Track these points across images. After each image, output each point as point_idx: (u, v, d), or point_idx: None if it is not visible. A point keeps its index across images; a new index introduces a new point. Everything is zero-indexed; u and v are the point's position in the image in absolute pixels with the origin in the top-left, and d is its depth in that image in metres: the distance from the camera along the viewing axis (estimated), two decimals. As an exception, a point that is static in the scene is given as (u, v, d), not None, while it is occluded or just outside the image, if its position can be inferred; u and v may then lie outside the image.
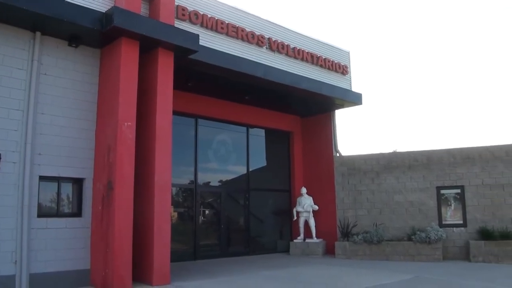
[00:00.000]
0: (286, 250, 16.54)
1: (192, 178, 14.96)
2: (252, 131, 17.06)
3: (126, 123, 9.78)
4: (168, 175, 10.48)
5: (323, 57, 15.77)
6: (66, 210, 10.07)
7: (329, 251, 15.92)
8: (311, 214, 16.36)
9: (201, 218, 15.38)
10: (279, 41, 14.33)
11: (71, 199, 10.16)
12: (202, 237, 15.14)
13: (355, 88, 16.81)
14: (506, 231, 13.87)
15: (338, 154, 17.04)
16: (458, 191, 14.98)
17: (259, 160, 17.54)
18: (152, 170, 10.24)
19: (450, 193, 15.08)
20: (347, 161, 16.66)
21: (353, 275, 11.67)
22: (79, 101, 10.20)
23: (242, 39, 13.26)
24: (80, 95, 10.23)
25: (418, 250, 14.23)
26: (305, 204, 16.44)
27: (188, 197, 15.06)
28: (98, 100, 10.47)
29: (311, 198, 16.62)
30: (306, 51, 15.19)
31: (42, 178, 9.49)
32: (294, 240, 16.46)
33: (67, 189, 10.11)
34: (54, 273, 9.31)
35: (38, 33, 9.61)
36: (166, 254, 10.14)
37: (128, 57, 10.04)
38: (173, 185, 12.70)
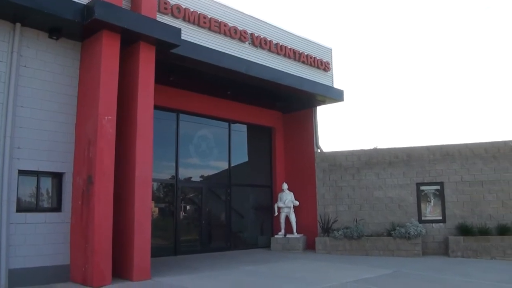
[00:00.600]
0: (267, 246, 16.59)
1: (173, 173, 14.89)
2: (234, 126, 17.05)
3: (106, 117, 9.68)
4: (149, 170, 10.39)
5: (306, 54, 15.81)
6: (46, 205, 9.92)
7: (310, 246, 16.02)
8: (292, 210, 16.43)
9: (182, 213, 15.33)
10: (261, 36, 14.32)
11: (50, 194, 10.02)
12: (183, 233, 15.11)
13: (336, 85, 16.90)
14: (485, 227, 14.15)
15: (319, 150, 17.14)
16: (438, 187, 15.21)
17: (240, 156, 17.54)
18: (132, 165, 10.15)
19: (430, 190, 15.30)
20: (328, 157, 16.76)
21: (334, 270, 11.76)
22: (59, 94, 10.05)
23: (225, 34, 13.21)
24: (60, 88, 10.08)
25: (397, 245, 14.41)
26: (286, 200, 16.50)
27: (169, 192, 14.99)
28: (78, 94, 10.33)
29: (292, 193, 16.69)
30: (289, 47, 15.22)
31: (21, 172, 9.34)
32: (275, 236, 16.51)
33: (47, 184, 9.96)
34: (33, 268, 9.18)
35: (18, 24, 9.42)
36: (146, 250, 10.07)
37: (109, 50, 9.92)
38: (154, 180, 12.62)
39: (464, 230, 14.23)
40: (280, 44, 14.92)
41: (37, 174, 9.72)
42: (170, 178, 14.85)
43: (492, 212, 14.53)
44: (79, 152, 9.99)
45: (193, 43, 12.06)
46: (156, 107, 10.99)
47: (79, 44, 10.48)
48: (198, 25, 12.53)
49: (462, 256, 13.82)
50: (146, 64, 10.61)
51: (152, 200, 11.79)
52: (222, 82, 14.23)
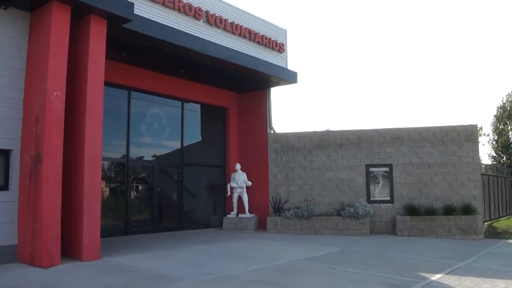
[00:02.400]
0: (220, 225, 16.64)
1: (125, 152, 14.61)
2: (187, 105, 16.87)
3: (55, 93, 9.33)
4: (98, 148, 10.12)
5: (261, 34, 15.79)
6: (-7, 183, 9.55)
7: (261, 226, 16.19)
8: (245, 190, 16.55)
9: (133, 193, 15.12)
10: (217, 15, 14.17)
11: (-3, 172, 9.64)
12: (134, 212, 14.93)
13: (291, 67, 17.01)
14: (431, 207, 14.76)
15: (272, 131, 17.25)
16: (387, 169, 15.69)
17: (194, 135, 17.43)
18: (82, 143, 9.86)
19: (379, 171, 15.74)
20: (280, 138, 16.90)
21: (284, 249, 11.95)
22: (6, 67, 9.57)
23: (179, 11, 12.98)
24: (7, 61, 9.59)
25: (346, 224, 14.78)
26: (239, 180, 16.57)
27: (120, 171, 14.73)
28: (26, 68, 9.88)
29: (245, 174, 16.76)
30: (244, 27, 15.15)
31: (-35, 149, 8.94)
32: (228, 215, 16.58)
33: (-7, 161, 9.58)
34: (-22, 248, 8.86)
35: (-38, -9, 8.92)
36: (96, 229, 9.87)
37: (59, 22, 9.52)
38: (104, 159, 12.37)
39: (411, 210, 14.77)
40: (236, 23, 14.82)
41: (-18, 151, 9.31)
42: (121, 157, 14.58)
43: (439, 193, 15.15)
44: (27, 129, 9.62)
45: (146, 18, 11.78)
46: (107, 84, 10.69)
47: (28, 15, 9.99)
48: (152, 0, 12.24)
49: (409, 235, 14.36)
50: (97, 38, 10.25)
51: (103, 179, 11.57)
52: (176, 60, 14.02)
